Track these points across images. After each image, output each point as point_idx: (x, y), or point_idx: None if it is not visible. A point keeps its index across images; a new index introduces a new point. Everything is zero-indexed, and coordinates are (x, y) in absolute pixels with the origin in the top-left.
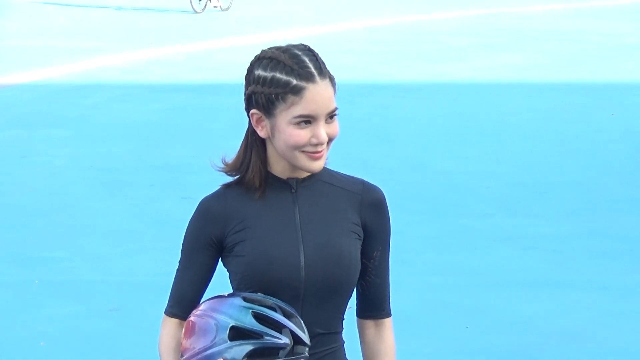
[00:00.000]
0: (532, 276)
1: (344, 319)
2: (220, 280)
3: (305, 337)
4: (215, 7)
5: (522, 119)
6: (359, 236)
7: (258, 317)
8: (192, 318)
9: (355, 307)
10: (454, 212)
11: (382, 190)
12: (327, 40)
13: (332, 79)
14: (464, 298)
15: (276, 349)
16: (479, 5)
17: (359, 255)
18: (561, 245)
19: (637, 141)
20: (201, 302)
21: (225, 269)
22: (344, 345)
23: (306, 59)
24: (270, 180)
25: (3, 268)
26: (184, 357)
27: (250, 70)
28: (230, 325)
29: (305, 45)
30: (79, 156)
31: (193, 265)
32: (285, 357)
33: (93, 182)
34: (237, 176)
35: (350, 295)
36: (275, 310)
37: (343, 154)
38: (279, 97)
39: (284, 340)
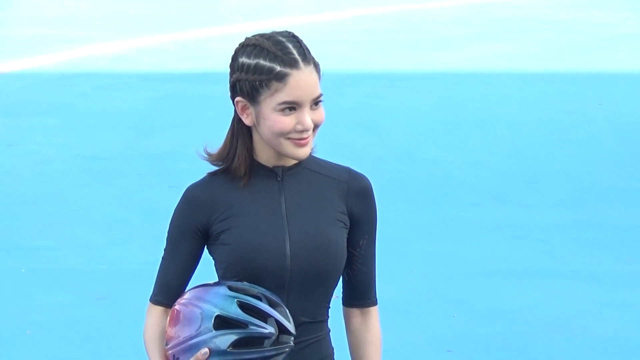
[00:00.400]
0: (520, 265)
1: (329, 307)
2: (207, 269)
3: (290, 326)
4: None
5: (511, 108)
6: (345, 224)
7: (243, 306)
8: (177, 307)
9: (341, 296)
10: (443, 202)
11: (369, 178)
12: (317, 29)
13: (316, 65)
14: (452, 287)
15: (261, 338)
16: None
17: (345, 243)
18: (550, 235)
19: (624, 131)
20: (186, 290)
21: (211, 257)
22: (330, 333)
23: (290, 45)
24: (256, 169)
25: None
26: (168, 346)
27: (234, 58)
28: (216, 314)
29: (289, 32)
30: (67, 145)
31: (178, 253)
32: (270, 346)
33: (81, 170)
34: (223, 165)
35: (336, 284)
36: (260, 299)
37: (333, 143)
38: (263, 84)
39: (269, 329)
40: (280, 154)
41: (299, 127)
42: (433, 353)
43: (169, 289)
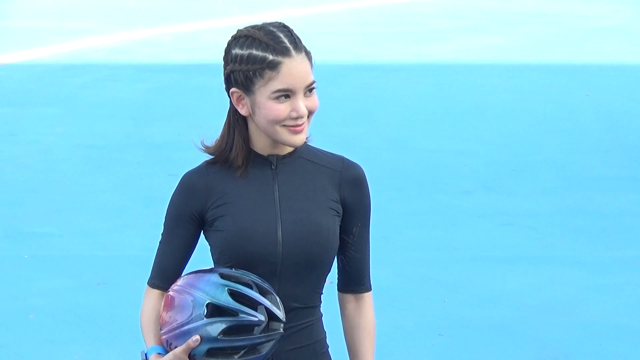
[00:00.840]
0: (509, 251)
1: (322, 293)
2: (203, 254)
3: (280, 313)
4: None
5: (500, 99)
6: (338, 213)
7: (234, 294)
8: (170, 292)
9: (336, 281)
10: (434, 189)
11: (363, 167)
12: (312, 21)
13: (308, 54)
14: (442, 272)
15: (251, 325)
16: None
17: (337, 231)
18: (537, 222)
19: (610, 121)
20: (182, 275)
21: (207, 243)
22: (322, 318)
23: (281, 35)
24: (251, 157)
25: None
26: (162, 331)
27: (227, 50)
28: (207, 302)
29: (280, 23)
30: (68, 134)
31: (175, 239)
32: (260, 333)
33: (82, 159)
34: (221, 157)
35: (328, 271)
36: (251, 287)
37: (326, 133)
38: (257, 74)
39: (259, 317)
40: (277, 142)
41: (294, 114)
42: (424, 337)
43: (165, 272)
